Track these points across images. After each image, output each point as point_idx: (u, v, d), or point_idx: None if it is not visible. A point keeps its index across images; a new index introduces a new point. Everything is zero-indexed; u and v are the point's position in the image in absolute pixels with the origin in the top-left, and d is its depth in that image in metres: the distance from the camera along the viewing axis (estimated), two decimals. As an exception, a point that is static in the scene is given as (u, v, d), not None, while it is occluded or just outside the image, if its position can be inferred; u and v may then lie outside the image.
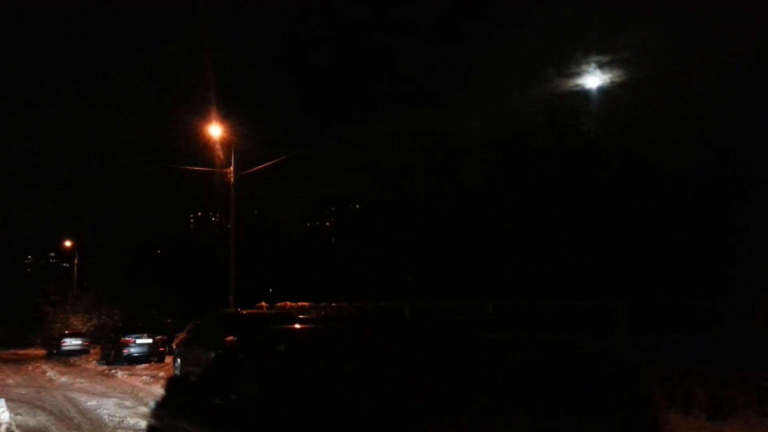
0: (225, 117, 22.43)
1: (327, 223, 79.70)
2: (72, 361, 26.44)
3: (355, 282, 37.15)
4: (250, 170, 23.49)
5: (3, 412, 10.37)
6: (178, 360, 16.02)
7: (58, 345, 31.55)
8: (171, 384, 4.99)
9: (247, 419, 3.57)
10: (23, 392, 14.08)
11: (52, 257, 78.17)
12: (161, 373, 17.78)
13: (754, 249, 18.73)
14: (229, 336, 13.47)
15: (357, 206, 70.79)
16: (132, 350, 22.76)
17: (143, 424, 9.04)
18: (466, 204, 30.74)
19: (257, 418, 3.52)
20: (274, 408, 3.43)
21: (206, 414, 4.04)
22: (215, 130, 22.07)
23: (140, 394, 13.32)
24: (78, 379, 17.02)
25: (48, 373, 19.25)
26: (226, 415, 3.84)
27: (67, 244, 50.84)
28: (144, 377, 17.22)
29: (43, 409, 11.59)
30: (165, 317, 30.00)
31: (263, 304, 24.26)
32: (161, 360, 22.42)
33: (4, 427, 9.32)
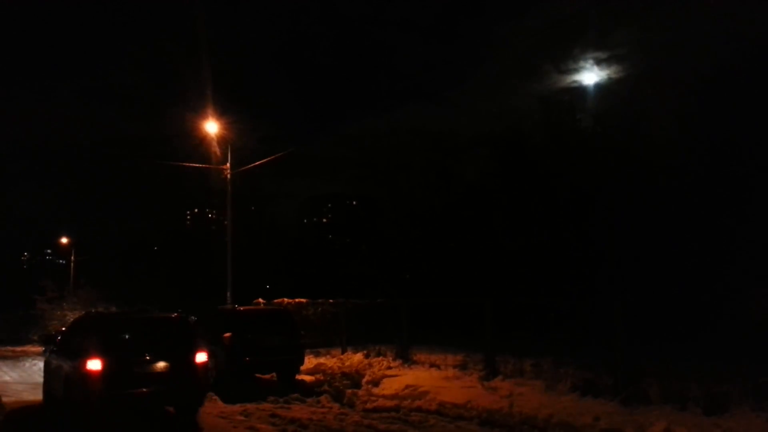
0: (222, 114, 22.41)
1: (324, 220, 79.78)
2: (69, 357, 26.37)
3: (352, 279, 37.17)
4: (247, 167, 23.48)
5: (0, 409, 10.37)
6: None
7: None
8: (56, 342, 11.36)
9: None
10: (20, 389, 14.07)
11: (49, 254, 78.06)
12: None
13: (751, 246, 18.80)
14: (227, 332, 13.50)
15: (354, 203, 70.76)
16: (129, 347, 22.70)
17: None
18: (463, 201, 30.77)
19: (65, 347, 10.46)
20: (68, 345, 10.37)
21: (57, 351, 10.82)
22: (212, 127, 22.03)
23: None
24: (75, 376, 16.96)
25: (45, 370, 19.21)
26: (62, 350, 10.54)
27: (64, 240, 50.71)
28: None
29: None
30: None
31: (260, 300, 24.23)
32: (158, 357, 22.37)
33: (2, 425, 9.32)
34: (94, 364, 8.80)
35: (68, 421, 9.59)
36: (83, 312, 21.94)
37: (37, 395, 12.13)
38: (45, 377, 11.60)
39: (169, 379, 9.27)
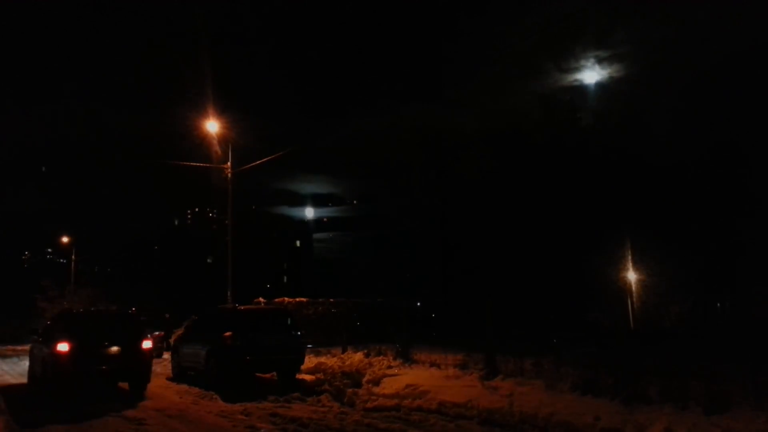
0: (222, 113, 22.38)
1: (325, 219, 79.68)
2: (69, 357, 26.35)
3: (353, 278, 37.15)
4: (248, 166, 23.42)
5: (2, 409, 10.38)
6: (176, 356, 16.03)
7: (56, 341, 31.34)
8: (39, 334, 13.35)
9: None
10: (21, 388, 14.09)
11: (50, 253, 77.97)
12: (158, 369, 17.77)
13: (751, 244, 18.78)
14: (228, 332, 13.49)
15: (355, 201, 70.70)
16: (129, 346, 22.69)
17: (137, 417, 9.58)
18: (463, 199, 30.77)
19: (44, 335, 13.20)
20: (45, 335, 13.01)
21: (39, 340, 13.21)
22: (212, 126, 22.02)
23: (138, 390, 13.31)
24: (75, 375, 17.00)
25: (46, 369, 19.23)
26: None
27: (65, 239, 50.66)
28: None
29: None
30: (163, 313, 30.01)
31: (261, 299, 24.25)
32: (159, 356, 22.39)
33: (3, 424, 9.32)
34: (63, 347, 11.44)
35: (45, 394, 12.08)
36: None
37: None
38: (29, 362, 14.29)
39: (121, 359, 11.92)
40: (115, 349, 11.91)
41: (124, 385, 12.84)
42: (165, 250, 63.57)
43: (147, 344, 12.47)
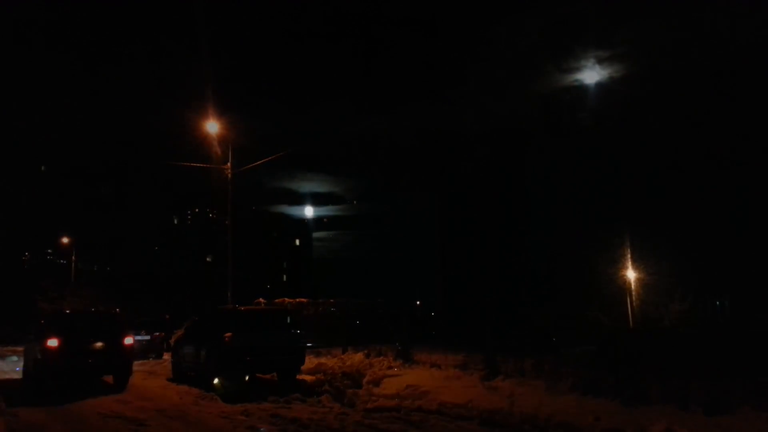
0: (223, 113, 22.37)
1: (324, 218, 79.70)
2: (70, 357, 26.41)
3: (353, 278, 37.15)
4: (248, 167, 23.40)
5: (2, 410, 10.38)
6: (176, 356, 16.03)
7: (56, 342, 31.40)
8: (34, 333, 14.08)
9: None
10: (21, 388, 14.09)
11: (50, 254, 77.89)
12: (158, 370, 17.78)
13: (750, 244, 18.78)
14: (228, 332, 13.49)
15: (355, 202, 70.70)
16: (129, 347, 22.69)
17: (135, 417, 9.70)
18: (463, 198, 30.78)
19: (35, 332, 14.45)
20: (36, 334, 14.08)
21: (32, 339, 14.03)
22: (212, 127, 22.02)
23: (137, 391, 13.31)
24: (75, 376, 17.08)
25: (46, 370, 19.28)
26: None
27: (65, 240, 50.65)
28: (140, 374, 17.15)
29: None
30: (163, 313, 30.02)
31: (261, 300, 24.25)
32: (159, 356, 22.41)
33: (4, 425, 9.32)
34: (53, 342, 12.71)
35: (37, 386, 13.23)
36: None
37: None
38: (24, 360, 15.37)
39: (104, 354, 13.17)
40: (99, 344, 13.13)
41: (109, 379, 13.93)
42: (165, 250, 63.55)
43: (128, 341, 13.71)
